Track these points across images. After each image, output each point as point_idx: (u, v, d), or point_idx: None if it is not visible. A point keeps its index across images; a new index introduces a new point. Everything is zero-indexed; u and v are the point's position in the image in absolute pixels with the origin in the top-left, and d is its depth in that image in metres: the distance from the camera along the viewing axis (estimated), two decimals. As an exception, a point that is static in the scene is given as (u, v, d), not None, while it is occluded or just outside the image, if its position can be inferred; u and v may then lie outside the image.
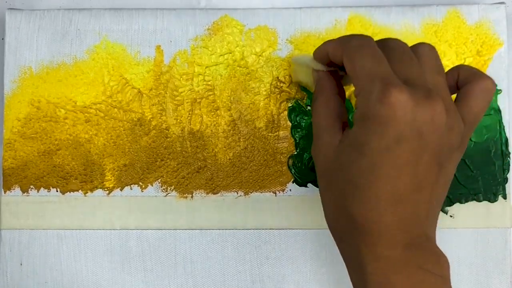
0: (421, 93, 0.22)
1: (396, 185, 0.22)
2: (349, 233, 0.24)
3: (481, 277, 0.33)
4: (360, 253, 0.24)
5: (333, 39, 0.26)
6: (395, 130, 0.21)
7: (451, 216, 0.33)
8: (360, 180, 0.23)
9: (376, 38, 0.33)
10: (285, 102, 0.34)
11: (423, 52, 0.25)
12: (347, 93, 0.31)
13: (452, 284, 0.25)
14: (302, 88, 0.33)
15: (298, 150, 0.33)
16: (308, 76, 0.29)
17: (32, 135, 0.34)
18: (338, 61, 0.25)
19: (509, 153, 0.33)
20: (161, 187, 0.33)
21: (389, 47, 0.24)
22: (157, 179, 0.33)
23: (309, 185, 0.33)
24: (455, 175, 0.33)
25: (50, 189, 0.33)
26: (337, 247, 0.33)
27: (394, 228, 0.23)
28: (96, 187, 0.33)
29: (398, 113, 0.21)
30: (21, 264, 0.33)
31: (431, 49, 0.25)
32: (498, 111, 0.33)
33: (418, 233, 0.23)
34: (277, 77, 0.34)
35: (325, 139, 0.25)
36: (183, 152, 0.34)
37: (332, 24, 0.34)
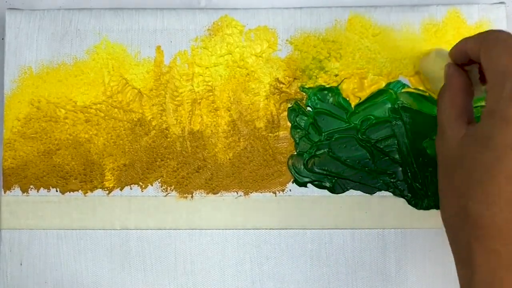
0: None
1: None
2: (462, 227, 0.24)
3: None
4: (470, 246, 0.24)
5: (472, 35, 0.26)
6: None
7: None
8: (481, 174, 0.23)
9: (376, 38, 0.33)
10: (285, 103, 0.34)
11: None
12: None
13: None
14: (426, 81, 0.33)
15: (298, 150, 0.33)
16: (441, 73, 0.29)
17: (32, 135, 0.34)
18: (476, 57, 0.25)
19: None
20: (161, 187, 0.33)
21: None
22: (157, 179, 0.33)
23: (309, 185, 0.33)
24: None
25: (50, 189, 0.33)
26: (337, 247, 0.33)
27: (509, 225, 0.22)
28: (96, 187, 0.33)
29: None
30: (21, 264, 0.33)
31: None
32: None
33: None
34: (277, 78, 0.34)
35: (449, 132, 0.26)
36: (183, 152, 0.34)
37: (332, 24, 0.34)
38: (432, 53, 0.32)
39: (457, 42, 0.28)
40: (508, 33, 0.25)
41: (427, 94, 0.33)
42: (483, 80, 0.27)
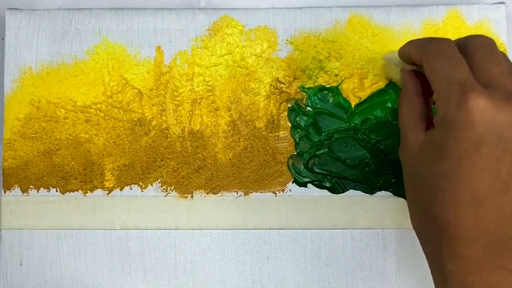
0: (501, 96, 0.22)
1: (477, 188, 0.22)
2: (431, 234, 0.25)
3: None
4: (441, 252, 0.24)
5: (414, 41, 0.27)
6: (474, 135, 0.22)
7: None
8: (441, 182, 0.23)
9: (376, 38, 0.33)
10: (285, 103, 0.34)
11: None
12: None
13: None
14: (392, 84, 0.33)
15: (298, 150, 0.33)
16: (397, 74, 0.30)
17: (32, 135, 0.34)
18: (418, 63, 0.26)
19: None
20: (161, 187, 0.33)
21: (471, 46, 0.25)
22: (157, 179, 0.33)
23: (309, 185, 0.33)
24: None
25: (50, 189, 0.33)
26: (337, 247, 0.33)
27: (475, 229, 0.23)
28: (96, 187, 0.33)
29: (477, 118, 0.22)
30: (21, 264, 0.33)
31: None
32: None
33: (501, 233, 0.23)
34: (277, 78, 0.34)
35: (410, 139, 0.26)
36: (183, 152, 0.34)
37: (332, 24, 0.34)
38: (383, 61, 0.32)
39: (403, 45, 0.28)
40: (447, 42, 0.25)
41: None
42: None
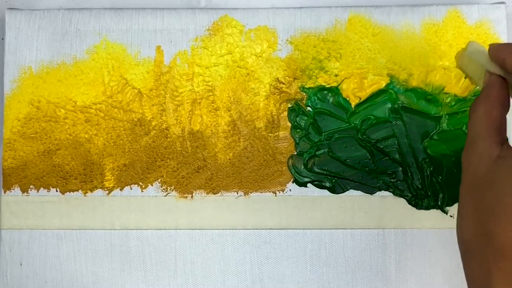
0: None
1: None
2: (482, 252, 0.23)
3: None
4: (489, 274, 0.22)
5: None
6: None
7: (451, 216, 0.33)
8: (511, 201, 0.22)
9: (376, 38, 0.33)
10: (285, 103, 0.34)
11: None
12: None
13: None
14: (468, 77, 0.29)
15: (298, 150, 0.33)
16: (477, 73, 0.27)
17: (32, 135, 0.34)
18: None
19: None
20: (161, 187, 0.33)
21: None
22: (157, 179, 0.33)
23: (309, 185, 0.33)
24: (455, 174, 0.33)
25: (50, 189, 0.33)
26: (337, 247, 0.33)
27: None
28: (96, 187, 0.33)
29: None
30: (21, 264, 0.33)
31: None
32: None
33: None
34: (277, 78, 0.34)
35: (481, 148, 0.24)
36: (183, 152, 0.34)
37: (332, 24, 0.34)
38: (465, 53, 0.28)
39: (498, 44, 0.26)
40: None
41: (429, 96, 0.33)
42: None
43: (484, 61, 0.26)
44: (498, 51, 0.25)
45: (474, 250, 0.24)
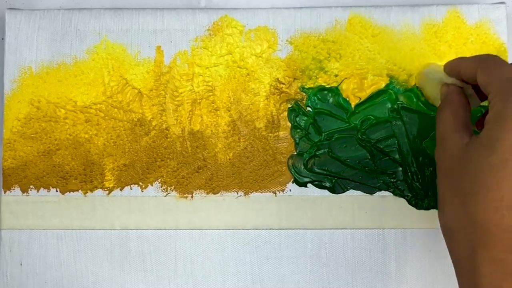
0: None
1: None
2: (465, 233, 0.24)
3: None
4: (475, 254, 0.23)
5: (466, 57, 0.28)
6: None
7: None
8: (486, 178, 0.23)
9: (376, 38, 0.34)
10: (285, 103, 0.34)
11: None
12: None
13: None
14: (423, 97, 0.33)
15: (298, 150, 0.33)
16: (435, 90, 0.30)
17: (32, 135, 0.34)
18: (469, 77, 0.27)
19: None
20: (161, 187, 0.33)
21: None
22: (157, 179, 0.33)
23: (309, 185, 0.33)
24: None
25: (50, 189, 0.33)
26: (337, 247, 0.33)
27: None
28: (96, 187, 0.33)
29: None
30: (21, 264, 0.33)
31: None
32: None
33: None
34: (277, 78, 0.34)
35: (452, 141, 0.26)
36: (183, 152, 0.34)
37: (332, 24, 0.34)
38: (422, 73, 0.32)
39: (450, 60, 0.29)
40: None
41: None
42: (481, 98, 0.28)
43: (441, 76, 0.29)
44: (452, 64, 0.29)
45: (457, 233, 0.25)
